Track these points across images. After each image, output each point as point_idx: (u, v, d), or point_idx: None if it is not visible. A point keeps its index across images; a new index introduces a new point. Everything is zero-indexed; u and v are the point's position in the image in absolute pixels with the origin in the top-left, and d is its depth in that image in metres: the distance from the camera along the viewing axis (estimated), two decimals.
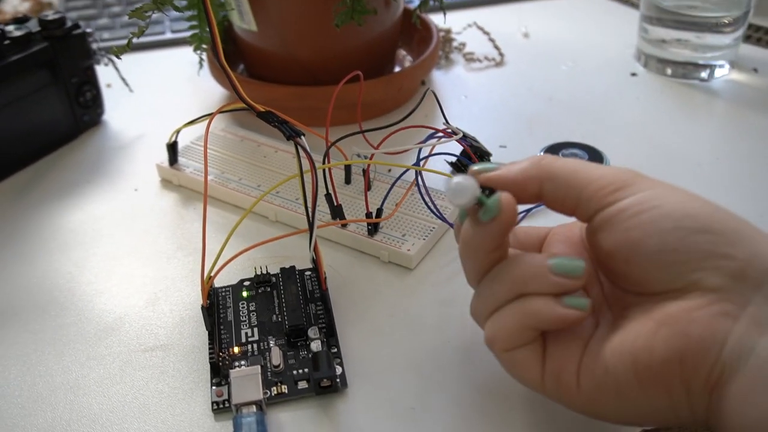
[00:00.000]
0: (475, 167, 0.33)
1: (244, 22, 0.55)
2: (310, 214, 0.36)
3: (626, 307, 0.31)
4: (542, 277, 0.31)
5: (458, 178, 0.31)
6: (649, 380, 0.29)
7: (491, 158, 0.49)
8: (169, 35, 0.74)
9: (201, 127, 0.50)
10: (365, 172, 0.48)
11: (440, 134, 0.45)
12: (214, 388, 0.37)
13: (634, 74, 0.65)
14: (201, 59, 0.60)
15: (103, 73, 0.60)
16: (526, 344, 0.32)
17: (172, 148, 0.52)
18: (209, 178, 0.51)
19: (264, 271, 0.43)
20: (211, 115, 0.40)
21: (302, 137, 0.37)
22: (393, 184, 0.46)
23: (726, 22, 0.60)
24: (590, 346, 0.31)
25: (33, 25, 0.54)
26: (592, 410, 0.31)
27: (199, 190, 0.52)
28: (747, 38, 0.67)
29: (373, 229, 0.45)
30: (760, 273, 0.28)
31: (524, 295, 0.31)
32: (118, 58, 0.45)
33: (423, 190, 0.46)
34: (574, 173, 0.32)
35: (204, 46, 0.58)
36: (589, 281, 0.34)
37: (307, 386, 0.36)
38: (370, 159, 0.46)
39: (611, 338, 0.30)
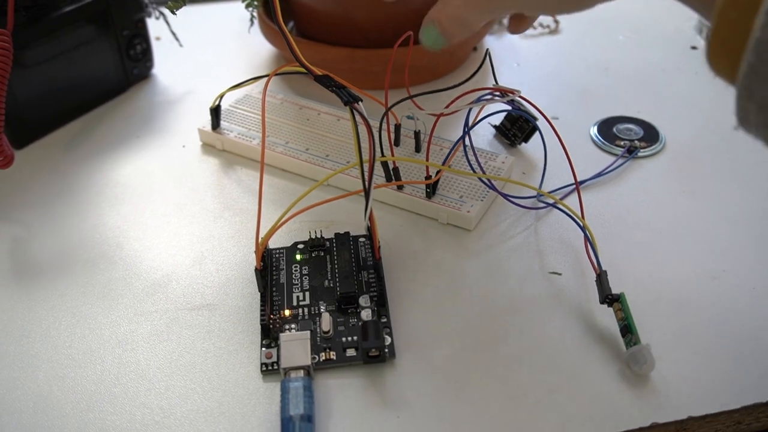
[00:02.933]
0: None
1: None
2: (366, 183, 0.35)
3: None
4: None
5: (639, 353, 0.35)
6: None
7: (537, 122, 0.48)
8: None
9: (242, 89, 0.50)
10: (416, 135, 0.48)
11: (489, 95, 0.44)
12: (263, 349, 0.37)
13: (694, 47, 0.62)
14: (252, 16, 0.59)
15: (153, 26, 0.60)
16: None
17: (215, 112, 0.51)
18: (254, 142, 0.50)
19: (318, 235, 0.42)
20: (267, 77, 0.39)
21: (360, 103, 0.36)
22: (452, 150, 0.45)
23: None
24: None
25: None
26: None
27: (244, 155, 0.51)
28: None
29: (431, 191, 0.45)
30: None
31: None
32: (173, 13, 0.44)
33: (472, 153, 0.45)
34: None
35: (256, 2, 0.57)
36: None
37: (355, 354, 0.36)
38: (436, 123, 0.45)
39: None
